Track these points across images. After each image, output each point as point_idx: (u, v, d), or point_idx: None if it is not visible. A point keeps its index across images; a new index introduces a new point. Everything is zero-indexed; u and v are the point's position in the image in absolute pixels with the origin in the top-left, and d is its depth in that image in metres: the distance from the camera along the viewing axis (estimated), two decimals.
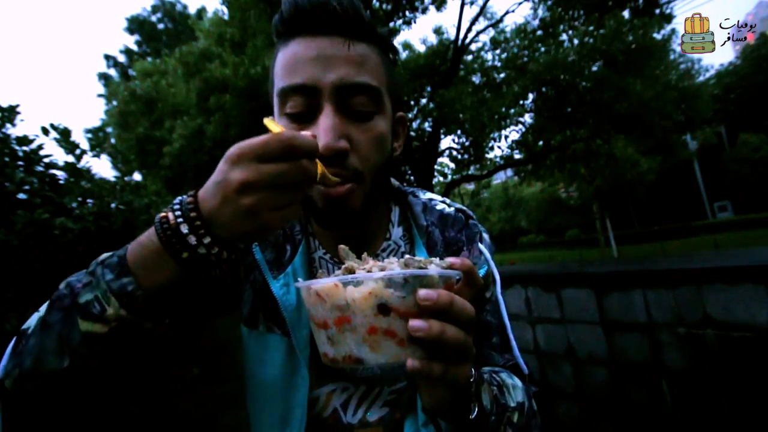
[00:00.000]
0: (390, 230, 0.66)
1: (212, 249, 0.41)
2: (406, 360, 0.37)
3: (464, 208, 0.71)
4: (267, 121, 0.44)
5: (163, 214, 0.42)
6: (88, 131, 15.10)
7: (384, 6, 8.51)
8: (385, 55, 0.57)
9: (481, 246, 0.66)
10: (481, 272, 0.64)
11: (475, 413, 0.46)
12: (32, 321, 0.47)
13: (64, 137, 3.02)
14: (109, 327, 0.42)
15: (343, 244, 0.57)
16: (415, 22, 8.97)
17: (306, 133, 0.39)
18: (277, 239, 0.61)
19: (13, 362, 0.45)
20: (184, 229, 0.40)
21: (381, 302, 0.37)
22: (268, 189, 0.38)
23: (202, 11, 13.56)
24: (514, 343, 0.65)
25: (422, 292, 0.36)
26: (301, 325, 0.56)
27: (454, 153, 10.28)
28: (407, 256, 0.43)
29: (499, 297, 0.65)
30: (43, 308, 0.48)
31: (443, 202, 0.71)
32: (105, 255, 0.48)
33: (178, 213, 0.41)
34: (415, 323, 0.36)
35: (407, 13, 8.85)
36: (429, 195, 0.72)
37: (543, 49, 8.05)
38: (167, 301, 0.44)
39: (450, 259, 0.43)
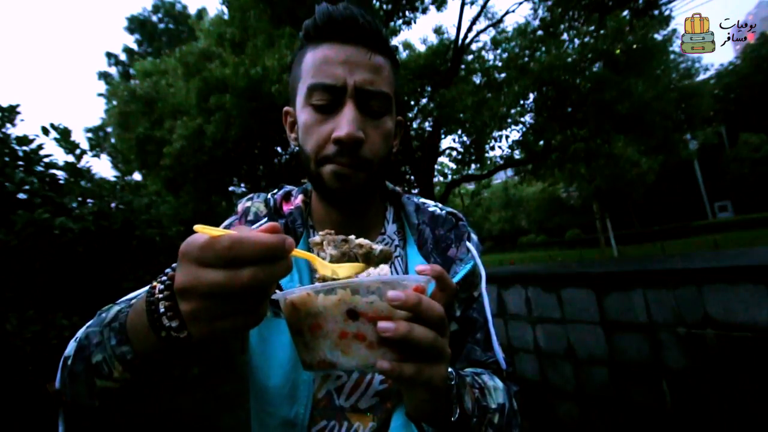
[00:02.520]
0: (385, 226, 0.73)
1: (181, 333, 0.38)
2: (376, 362, 0.39)
3: (455, 211, 0.77)
4: (199, 228, 0.35)
5: (154, 282, 0.41)
6: (88, 130, 15.09)
7: (384, 6, 8.51)
8: (394, 66, 0.65)
9: (469, 244, 0.71)
10: (467, 268, 0.68)
11: (457, 415, 0.48)
12: (70, 350, 0.54)
13: (64, 137, 3.02)
14: (119, 384, 0.47)
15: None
16: (415, 22, 8.98)
17: (263, 236, 0.33)
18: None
19: (61, 386, 0.53)
20: (162, 306, 0.38)
21: (350, 308, 0.39)
22: (208, 298, 0.34)
23: (202, 12, 13.54)
24: (495, 339, 0.68)
25: (390, 293, 0.38)
26: None
27: (455, 153, 10.28)
28: (350, 237, 0.48)
29: (484, 294, 0.69)
30: (80, 333, 0.54)
31: (435, 205, 0.77)
32: (113, 311, 0.52)
33: (161, 287, 0.40)
34: (383, 324, 0.38)
35: (407, 13, 8.85)
36: (422, 199, 0.78)
37: (544, 48, 8.05)
38: (169, 364, 0.46)
39: (420, 267, 0.46)
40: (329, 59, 0.58)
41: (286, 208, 0.71)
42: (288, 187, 0.76)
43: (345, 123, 0.56)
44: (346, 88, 0.57)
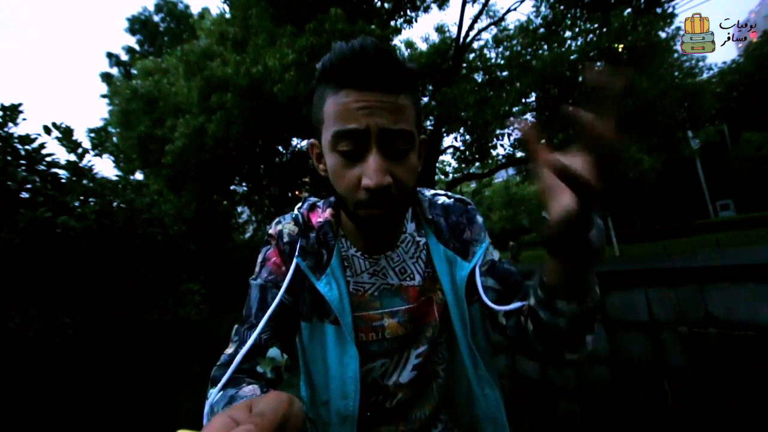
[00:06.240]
0: (405, 225, 0.78)
1: None
2: None
3: (462, 197, 0.84)
4: None
5: None
6: (91, 131, 15.08)
7: (386, 5, 8.49)
8: (415, 93, 0.66)
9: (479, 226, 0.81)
10: (483, 247, 0.77)
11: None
12: (206, 411, 0.57)
13: (66, 136, 3.03)
14: None
15: (371, 241, 0.73)
16: (416, 21, 8.96)
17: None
18: (313, 247, 0.72)
19: None
20: None
21: None
22: None
23: (205, 12, 13.52)
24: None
25: None
26: (345, 313, 0.68)
27: (458, 153, 10.27)
28: None
29: (496, 257, 0.78)
30: (213, 395, 0.57)
31: (444, 195, 0.84)
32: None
33: None
34: None
35: (408, 11, 8.84)
36: (432, 191, 0.84)
37: (546, 46, 8.03)
38: None
39: None
40: (350, 107, 0.59)
41: (314, 220, 0.76)
42: (311, 199, 0.81)
43: (372, 172, 0.58)
44: (369, 132, 0.59)
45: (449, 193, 0.84)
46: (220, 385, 0.58)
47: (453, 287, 0.73)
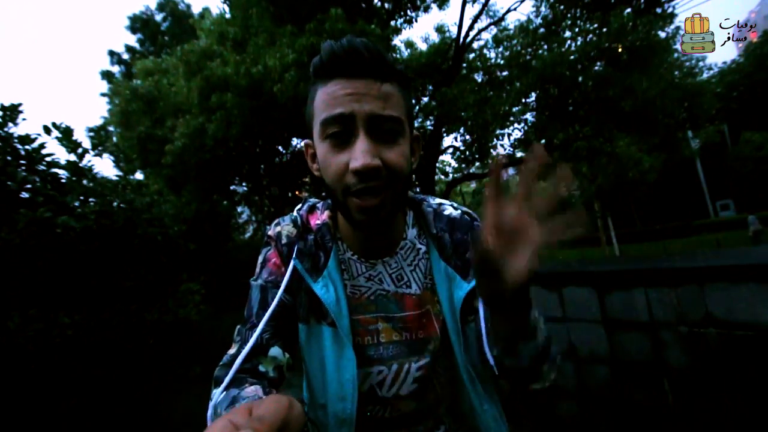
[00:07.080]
0: (406, 231, 0.77)
1: None
2: None
3: (470, 211, 0.81)
4: None
5: None
6: (90, 130, 15.08)
7: (386, 5, 8.50)
8: (404, 88, 0.67)
9: None
10: None
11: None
12: (210, 412, 0.58)
13: (66, 136, 3.03)
14: None
15: (368, 245, 0.73)
16: (416, 21, 8.97)
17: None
18: (310, 250, 0.72)
19: None
20: None
21: None
22: None
23: (205, 12, 13.52)
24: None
25: None
26: (342, 316, 0.68)
27: (458, 152, 10.27)
28: None
29: None
30: (216, 396, 0.58)
31: (451, 206, 0.81)
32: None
33: None
34: None
35: (409, 11, 8.84)
36: (438, 200, 0.82)
37: (546, 46, 8.03)
38: None
39: None
40: (337, 94, 0.60)
41: (312, 222, 0.75)
42: (311, 201, 0.81)
43: (359, 154, 0.58)
44: (356, 117, 0.59)
45: (455, 204, 0.82)
46: (223, 385, 0.58)
47: (450, 305, 0.72)
